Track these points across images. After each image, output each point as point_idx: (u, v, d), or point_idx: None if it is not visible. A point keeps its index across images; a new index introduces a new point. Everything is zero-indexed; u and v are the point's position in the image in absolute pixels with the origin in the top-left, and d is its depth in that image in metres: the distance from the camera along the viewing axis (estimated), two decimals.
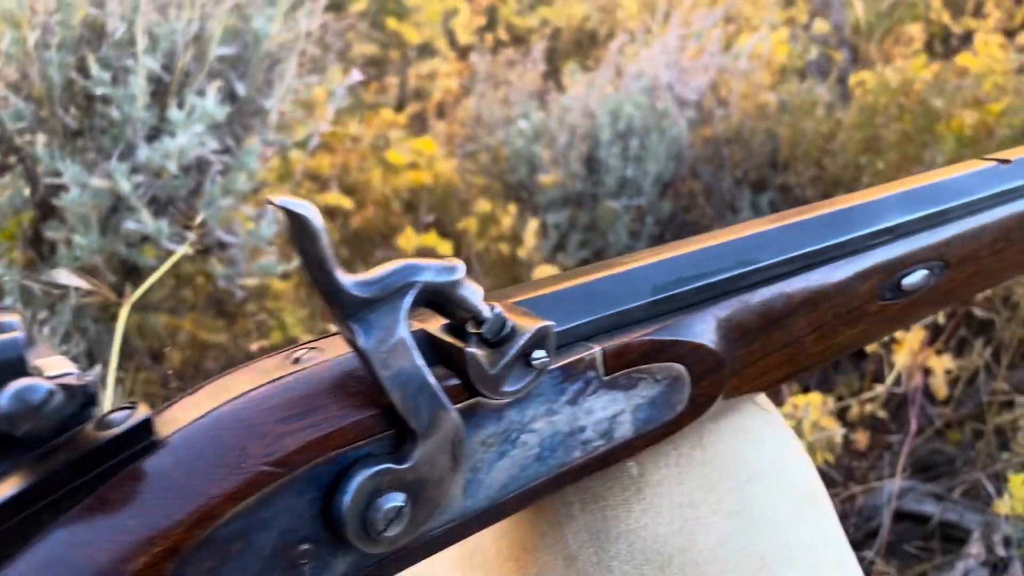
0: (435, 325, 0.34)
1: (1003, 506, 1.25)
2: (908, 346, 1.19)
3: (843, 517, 1.33)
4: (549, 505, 0.42)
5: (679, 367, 0.39)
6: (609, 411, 0.37)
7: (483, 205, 1.46)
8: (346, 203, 1.41)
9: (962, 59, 1.87)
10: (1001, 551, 1.21)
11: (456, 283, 0.31)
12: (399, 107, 2.75)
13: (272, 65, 1.17)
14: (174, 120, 1.03)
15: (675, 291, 0.40)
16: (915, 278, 0.48)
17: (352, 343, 0.29)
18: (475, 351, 0.32)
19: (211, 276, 1.07)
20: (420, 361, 0.30)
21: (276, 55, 1.16)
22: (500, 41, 2.89)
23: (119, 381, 1.19)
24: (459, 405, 0.32)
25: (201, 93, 1.05)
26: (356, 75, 1.28)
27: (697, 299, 0.40)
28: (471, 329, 0.32)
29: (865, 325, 0.47)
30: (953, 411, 1.31)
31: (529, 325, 0.33)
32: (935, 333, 1.21)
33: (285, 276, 1.49)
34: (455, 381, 0.32)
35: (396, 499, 0.30)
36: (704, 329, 0.40)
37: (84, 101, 1.10)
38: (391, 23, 3.99)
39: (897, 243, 0.48)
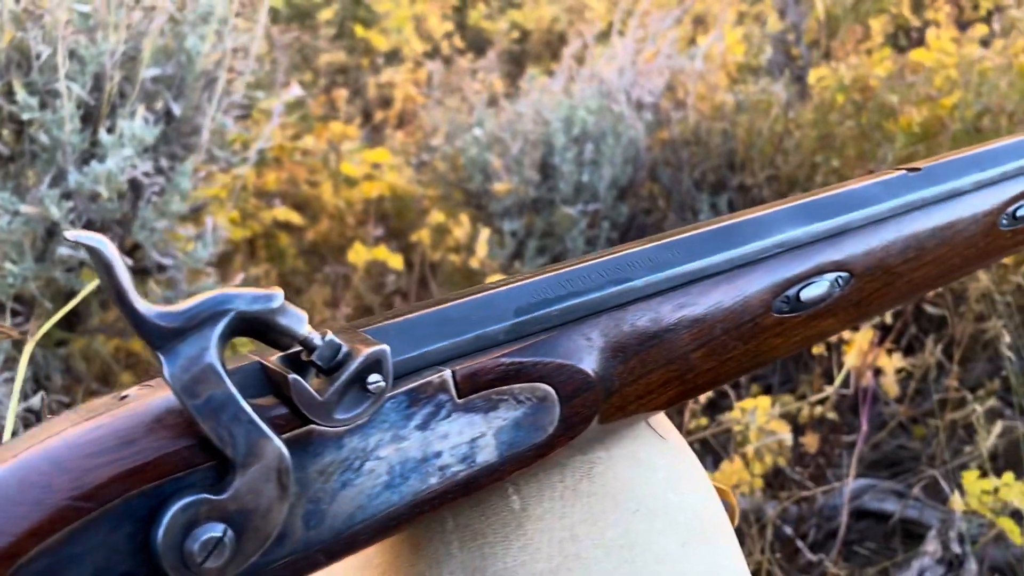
0: (274, 355, 0.33)
1: (958, 503, 1.25)
2: (857, 346, 1.19)
3: (802, 519, 1.33)
4: (428, 543, 0.41)
5: (545, 387, 0.38)
6: (467, 435, 0.36)
7: (437, 216, 1.45)
8: (295, 218, 1.39)
9: (915, 54, 1.87)
10: (956, 548, 1.22)
11: (274, 311, 0.31)
12: (366, 116, 2.74)
13: (209, 83, 1.15)
14: (105, 144, 1.01)
15: (539, 312, 0.40)
16: (816, 290, 0.48)
17: (161, 373, 0.29)
18: (299, 378, 0.31)
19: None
20: (232, 389, 0.29)
21: (213, 73, 1.14)
22: (458, 49, 2.88)
23: (67, 406, 1.17)
24: (289, 434, 0.31)
25: (134, 115, 1.03)
26: (296, 90, 1.26)
27: (564, 319, 0.40)
28: (304, 357, 0.32)
29: (765, 339, 0.47)
30: (908, 409, 1.31)
31: (364, 350, 0.32)
32: (885, 333, 1.21)
33: None
34: (283, 410, 0.32)
35: (215, 530, 0.30)
36: (571, 348, 0.39)
37: (14, 127, 1.08)
38: (359, 30, 3.98)
39: (787, 256, 0.47)
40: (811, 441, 1.11)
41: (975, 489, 1.23)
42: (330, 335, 0.32)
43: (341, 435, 0.33)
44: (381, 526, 0.34)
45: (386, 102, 2.51)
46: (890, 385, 1.21)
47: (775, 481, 1.31)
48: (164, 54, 1.13)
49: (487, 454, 0.37)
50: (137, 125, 0.97)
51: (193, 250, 1.08)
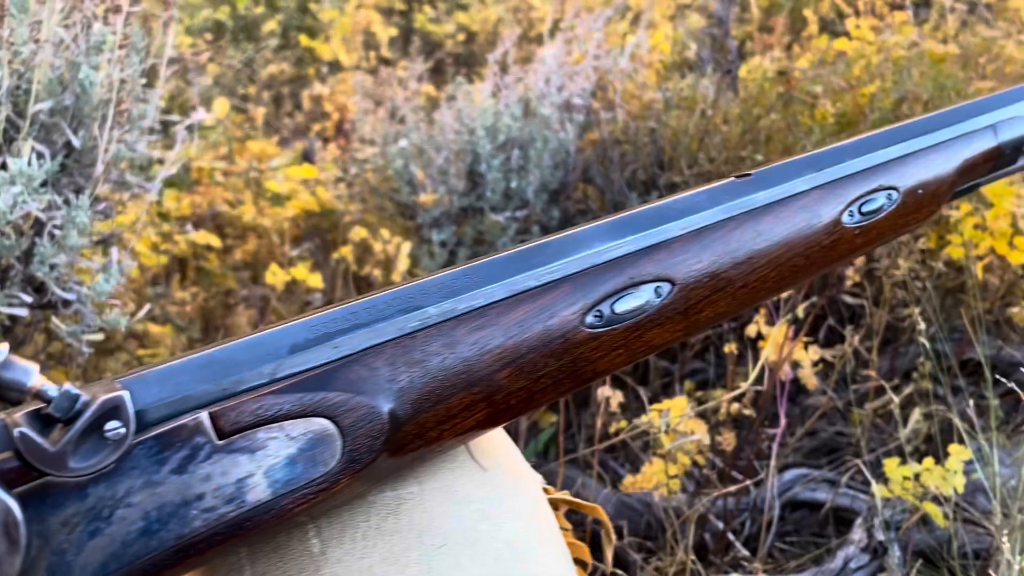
0: (22, 411, 0.34)
1: (882, 490, 1.26)
2: (773, 340, 1.20)
3: (730, 515, 1.34)
4: None
5: (322, 422, 0.38)
6: (232, 476, 0.36)
7: (359, 231, 1.44)
8: (214, 241, 1.38)
9: (837, 43, 1.89)
10: (880, 535, 1.23)
11: None
12: (304, 130, 2.72)
13: (116, 112, 1.14)
14: None
15: (317, 346, 0.40)
16: (632, 302, 0.48)
17: None
18: (24, 430, 0.32)
19: (53, 334, 1.04)
20: None
21: (112, 102, 1.13)
22: (384, 59, 2.87)
23: None
24: (23, 487, 0.31)
25: (21, 151, 1.02)
26: (200, 114, 1.25)
27: (345, 351, 0.40)
28: (44, 410, 0.32)
29: (581, 354, 0.47)
30: (831, 399, 1.33)
31: (100, 398, 0.33)
32: (801, 326, 1.22)
33: (155, 321, 1.46)
34: (15, 463, 0.32)
35: None
36: (353, 380, 0.40)
37: None
38: (303, 40, 3.95)
39: (596, 271, 0.48)
40: (728, 439, 1.12)
41: (897, 476, 1.25)
42: (66, 385, 0.32)
43: (84, 484, 0.33)
44: (142, 573, 0.34)
45: (316, 116, 2.50)
46: (808, 377, 1.23)
47: (704, 478, 1.32)
48: (60, 85, 1.12)
49: (258, 493, 0.36)
50: (22, 162, 0.96)
51: (95, 283, 1.07)
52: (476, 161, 1.66)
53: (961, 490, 1.22)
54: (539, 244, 0.48)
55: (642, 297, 0.49)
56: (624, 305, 0.48)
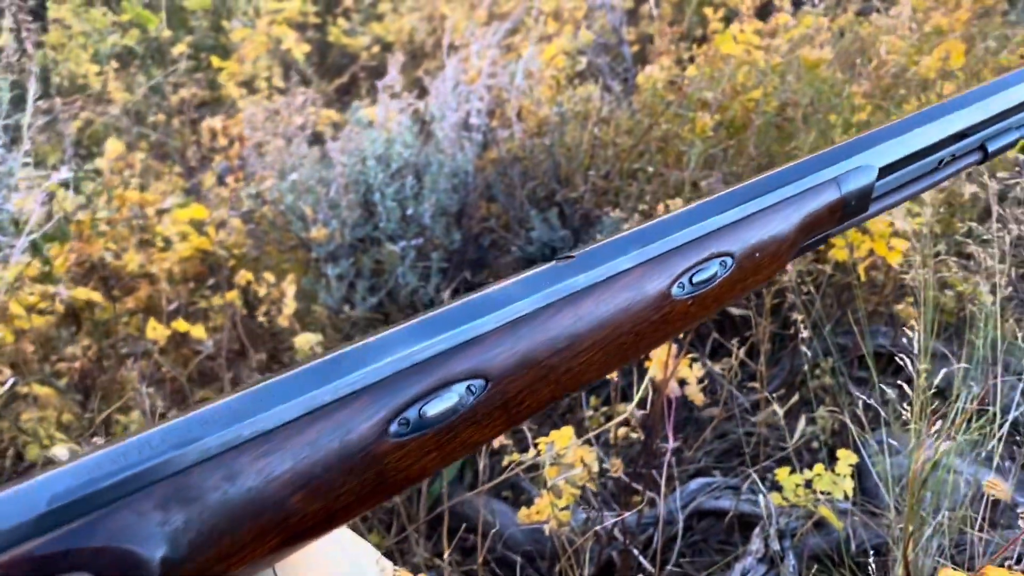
0: None
1: (776, 498, 1.28)
2: (658, 359, 1.21)
3: (639, 530, 1.35)
4: None
5: None
6: None
7: (245, 275, 1.41)
8: (96, 297, 1.34)
9: (724, 47, 1.91)
10: (776, 545, 1.25)
11: None
12: (210, 160, 2.66)
13: None
14: None
15: (78, 495, 0.38)
16: (442, 404, 0.47)
17: None
18: None
19: None
20: None
21: None
22: (280, 89, 2.83)
23: None
24: None
25: None
26: (63, 173, 1.21)
27: (108, 497, 0.38)
28: None
29: (387, 464, 0.46)
30: (722, 411, 1.34)
31: None
32: (685, 344, 1.23)
33: (52, 377, 1.42)
34: None
35: None
36: (119, 527, 0.38)
37: None
38: (215, 61, 3.88)
39: (398, 377, 0.46)
40: (616, 465, 1.12)
41: (790, 484, 1.27)
42: None
43: None
44: None
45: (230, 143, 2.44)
46: (695, 394, 1.24)
47: (603, 500, 1.33)
48: None
49: None
50: None
51: None
52: (369, 191, 1.64)
53: (851, 494, 1.25)
54: (343, 352, 0.46)
55: (453, 398, 0.48)
56: (434, 408, 0.46)
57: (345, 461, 0.44)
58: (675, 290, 0.54)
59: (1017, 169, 1.69)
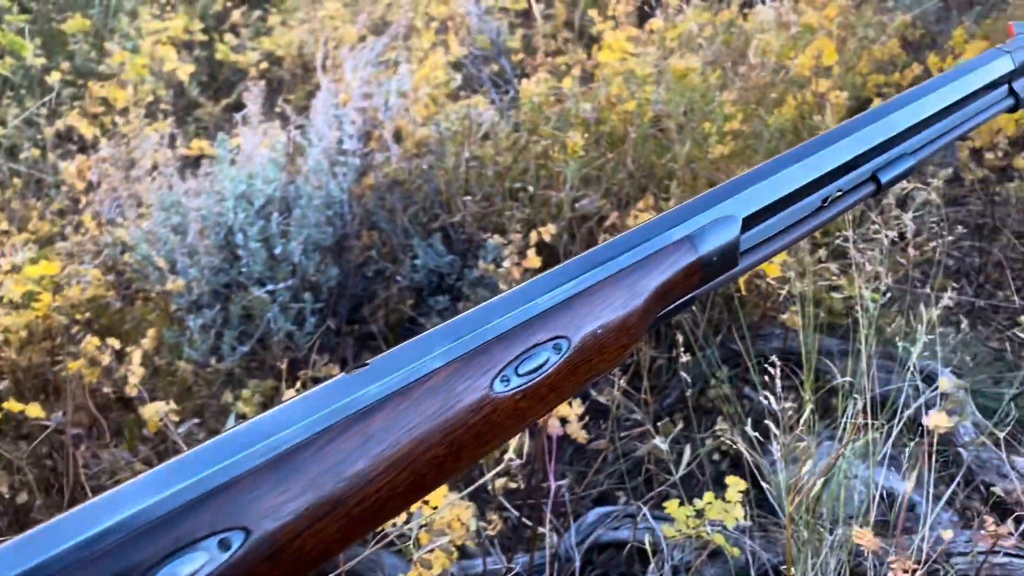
0: None
1: (669, 530, 1.24)
2: None
3: (534, 571, 1.29)
4: None
5: None
6: None
7: (92, 341, 1.30)
8: None
9: (602, 55, 1.86)
10: None
11: None
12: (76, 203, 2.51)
13: None
14: None
15: None
16: (188, 566, 0.40)
17: None
18: None
19: None
20: None
21: None
22: (165, 111, 2.69)
23: None
24: None
25: None
26: None
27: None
28: None
29: None
30: (608, 443, 1.29)
31: None
32: None
33: None
34: None
35: None
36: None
37: None
38: (93, 88, 3.69)
39: (125, 544, 0.39)
40: (495, 522, 1.06)
41: (681, 515, 1.23)
42: None
43: None
44: None
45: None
46: (577, 431, 1.18)
47: (505, 542, 1.27)
48: None
49: None
50: None
51: None
52: (231, 232, 1.54)
53: (743, 520, 1.21)
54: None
55: (197, 560, 0.40)
56: (178, 571, 0.39)
57: None
58: (497, 386, 0.47)
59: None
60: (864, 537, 0.88)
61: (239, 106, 4.15)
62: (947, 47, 2.51)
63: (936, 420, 0.83)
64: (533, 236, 1.35)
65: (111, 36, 4.56)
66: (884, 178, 0.66)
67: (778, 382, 1.21)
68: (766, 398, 1.64)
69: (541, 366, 0.48)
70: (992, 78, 0.75)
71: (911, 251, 1.66)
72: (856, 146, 0.64)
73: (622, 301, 0.52)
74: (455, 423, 0.45)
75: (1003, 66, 0.77)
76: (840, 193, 0.63)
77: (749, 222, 0.58)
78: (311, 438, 0.42)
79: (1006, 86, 0.78)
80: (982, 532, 1.18)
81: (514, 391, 0.47)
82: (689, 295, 0.57)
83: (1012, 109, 0.80)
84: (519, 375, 0.47)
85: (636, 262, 0.53)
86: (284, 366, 1.29)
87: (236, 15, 4.57)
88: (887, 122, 0.66)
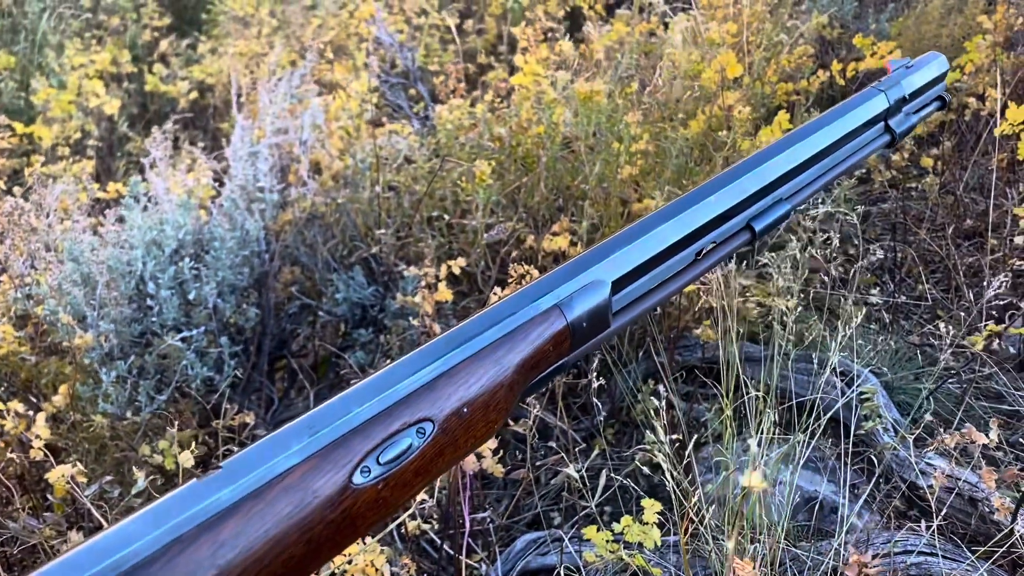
0: None
1: (590, 556, 1.25)
2: None
3: None
4: None
5: None
6: None
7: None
8: None
9: (515, 79, 1.87)
10: None
11: None
12: None
13: None
14: None
15: None
16: None
17: None
18: None
19: None
20: None
21: None
22: (96, 147, 2.65)
23: None
24: None
25: None
26: None
27: None
28: None
29: None
30: (527, 472, 1.30)
31: None
32: None
33: None
34: None
35: None
36: None
37: None
38: (18, 127, 3.62)
39: None
40: (408, 564, 1.05)
41: (600, 539, 1.24)
42: None
43: None
44: None
45: None
46: (493, 466, 1.18)
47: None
48: None
49: None
50: None
51: None
52: (141, 281, 1.52)
53: (659, 543, 1.22)
54: None
55: None
56: None
57: None
58: (357, 478, 0.46)
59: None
60: (745, 569, 0.89)
61: (175, 137, 4.10)
62: (855, 49, 2.57)
63: (753, 481, 0.83)
64: (444, 269, 1.35)
65: (37, 72, 4.47)
66: (759, 226, 0.67)
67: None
68: (688, 410, 1.66)
69: (404, 452, 0.47)
70: (868, 117, 0.77)
71: (818, 255, 1.69)
72: (728, 199, 0.64)
73: (488, 377, 0.51)
74: (312, 521, 0.44)
75: (878, 105, 0.78)
76: (714, 245, 0.64)
77: (619, 284, 0.58)
78: (158, 552, 0.41)
79: (882, 123, 0.80)
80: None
81: (375, 481, 0.46)
82: (560, 362, 0.56)
83: (889, 145, 0.82)
84: (380, 464, 0.47)
85: (503, 336, 0.53)
86: (195, 420, 1.27)
87: (164, 44, 4.51)
88: (760, 172, 0.67)
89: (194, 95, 3.89)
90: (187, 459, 1.06)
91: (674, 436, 1.38)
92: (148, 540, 0.41)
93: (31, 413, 1.30)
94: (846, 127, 0.75)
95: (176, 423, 1.24)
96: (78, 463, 1.18)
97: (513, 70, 2.92)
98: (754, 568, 1.35)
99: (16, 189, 2.13)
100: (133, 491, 1.25)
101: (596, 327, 0.58)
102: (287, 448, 0.46)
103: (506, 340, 0.54)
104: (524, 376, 0.55)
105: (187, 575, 0.41)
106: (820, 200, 1.78)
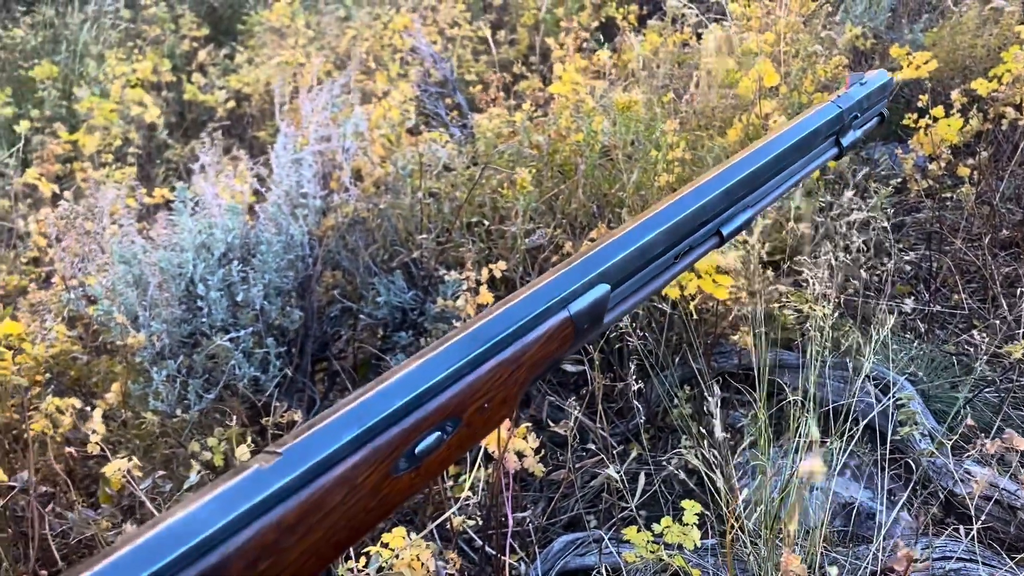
0: None
1: (629, 556, 1.27)
2: (492, 436, 1.18)
3: None
4: None
5: None
6: None
7: (53, 401, 1.32)
8: None
9: (553, 88, 1.90)
10: None
11: None
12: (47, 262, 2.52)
13: None
14: None
15: None
16: None
17: None
18: None
19: None
20: None
21: None
22: (136, 154, 2.73)
23: None
24: None
25: None
26: None
27: None
28: None
29: None
30: (568, 473, 1.32)
31: None
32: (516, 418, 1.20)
33: None
34: None
35: None
36: None
37: None
38: (63, 134, 3.72)
39: None
40: (455, 560, 1.08)
41: (640, 540, 1.26)
42: None
43: None
44: None
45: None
46: (535, 465, 1.21)
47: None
48: None
49: None
50: None
51: None
52: (191, 283, 1.56)
53: (699, 544, 1.24)
54: None
55: None
56: None
57: None
58: (395, 469, 0.50)
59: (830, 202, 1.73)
60: (793, 563, 0.91)
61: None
62: (888, 59, 2.57)
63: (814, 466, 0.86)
64: (485, 272, 1.38)
65: (79, 81, 4.58)
66: (726, 231, 0.73)
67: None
68: (725, 416, 1.67)
69: (435, 446, 0.51)
70: (826, 131, 0.83)
71: (860, 262, 1.70)
72: (710, 206, 0.71)
73: (508, 375, 0.56)
74: (359, 508, 0.48)
75: (836, 119, 0.83)
76: (689, 248, 0.70)
77: (616, 285, 0.64)
78: (231, 538, 0.43)
79: (834, 137, 0.84)
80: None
81: (409, 470, 0.50)
82: (557, 356, 0.61)
83: (836, 157, 0.87)
84: (416, 456, 0.51)
85: (521, 336, 0.57)
86: (245, 417, 1.31)
87: (203, 54, 4.60)
88: (733, 181, 0.73)
89: (231, 104, 3.97)
90: (243, 452, 1.10)
91: (717, 436, 1.39)
92: (219, 527, 0.43)
93: (88, 409, 1.35)
94: (806, 140, 0.80)
95: (233, 418, 1.28)
96: (132, 458, 1.23)
97: (546, 80, 2.96)
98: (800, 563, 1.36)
99: (67, 194, 2.19)
100: (186, 485, 1.29)
101: (593, 325, 0.63)
102: (339, 439, 0.49)
103: (523, 339, 0.58)
104: (533, 372, 0.60)
105: (255, 560, 0.44)
106: (857, 207, 1.79)
